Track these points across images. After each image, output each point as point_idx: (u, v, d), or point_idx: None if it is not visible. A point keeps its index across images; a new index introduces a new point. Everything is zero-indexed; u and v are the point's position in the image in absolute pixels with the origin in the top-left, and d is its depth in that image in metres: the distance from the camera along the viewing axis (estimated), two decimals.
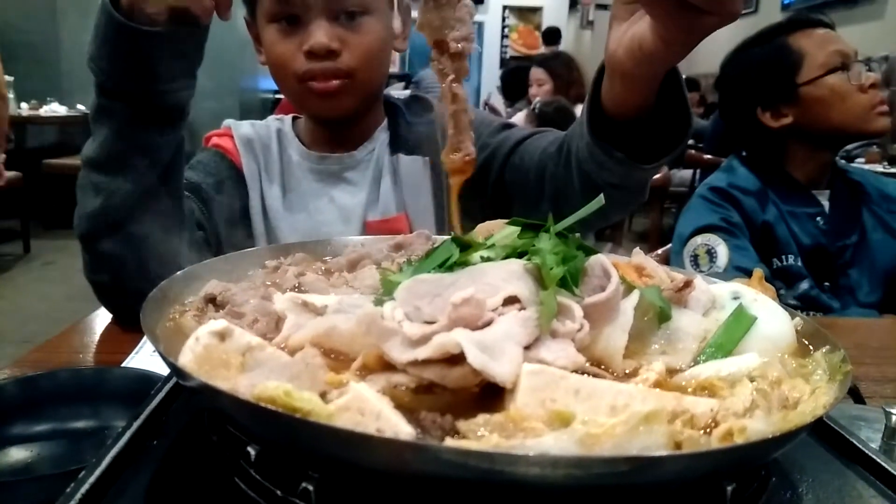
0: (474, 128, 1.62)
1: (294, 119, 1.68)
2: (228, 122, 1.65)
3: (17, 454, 0.85)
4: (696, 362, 0.68)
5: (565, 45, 12.98)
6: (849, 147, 3.71)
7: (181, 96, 1.23)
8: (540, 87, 5.56)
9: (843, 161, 2.26)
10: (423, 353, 0.56)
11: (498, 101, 8.04)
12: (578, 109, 4.86)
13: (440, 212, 1.57)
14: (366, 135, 1.62)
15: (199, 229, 1.42)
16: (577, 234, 0.75)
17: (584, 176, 1.27)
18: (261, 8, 1.48)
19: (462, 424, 0.53)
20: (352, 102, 1.51)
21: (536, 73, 5.70)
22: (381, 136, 1.62)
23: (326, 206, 1.58)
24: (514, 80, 6.76)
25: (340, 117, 1.54)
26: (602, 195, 0.78)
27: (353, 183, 1.59)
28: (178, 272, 0.82)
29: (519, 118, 5.49)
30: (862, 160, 5.60)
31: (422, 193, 1.57)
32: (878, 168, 5.38)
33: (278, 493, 0.56)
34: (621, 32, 1.04)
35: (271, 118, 1.69)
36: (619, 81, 1.09)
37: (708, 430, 0.54)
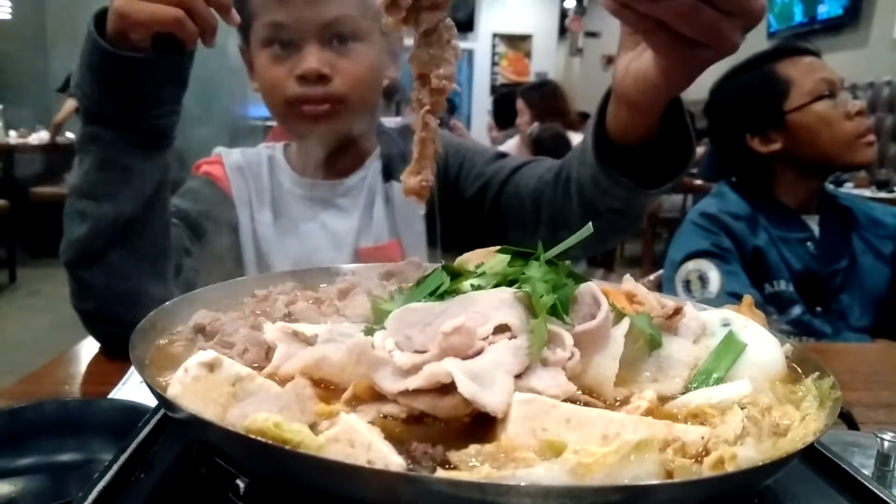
0: (470, 157, 1.63)
1: (286, 146, 1.69)
2: (219, 149, 1.66)
3: (1, 488, 0.84)
4: (687, 390, 0.68)
5: (555, 72, 13.14)
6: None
7: (166, 122, 1.23)
8: (521, 117, 5.62)
9: (831, 186, 2.29)
10: (413, 382, 0.55)
11: (482, 126, 8.11)
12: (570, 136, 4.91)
13: (433, 239, 1.57)
14: (357, 162, 1.63)
15: (187, 255, 1.42)
16: (567, 262, 0.75)
17: (585, 202, 1.28)
18: (254, 34, 1.49)
19: (453, 455, 0.52)
20: (342, 127, 1.52)
21: (518, 102, 5.76)
22: (374, 164, 1.63)
23: (317, 231, 1.58)
24: (504, 107, 6.82)
25: (330, 141, 1.55)
26: (591, 224, 0.78)
27: (345, 209, 1.60)
28: (167, 302, 0.82)
29: (510, 145, 5.53)
30: (850, 185, 5.66)
31: (415, 221, 1.58)
32: (866, 193, 5.43)
33: None
34: (627, 61, 1.06)
35: (262, 146, 1.70)
36: (624, 109, 1.12)
37: (699, 458, 0.54)
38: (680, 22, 0.86)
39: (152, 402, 0.79)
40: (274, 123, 1.76)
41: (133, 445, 0.68)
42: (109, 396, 1.08)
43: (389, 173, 1.61)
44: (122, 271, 1.21)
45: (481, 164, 1.59)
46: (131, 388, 1.12)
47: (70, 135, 7.77)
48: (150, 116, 1.20)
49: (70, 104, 7.62)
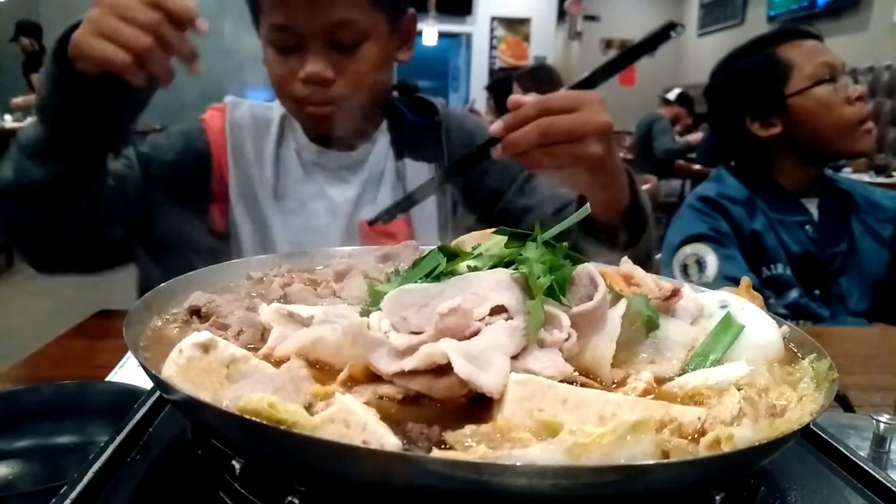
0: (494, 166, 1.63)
1: None
2: (229, 98, 1.64)
3: None
4: (684, 371, 0.67)
5: (554, 56, 13.07)
6: None
7: (106, 142, 1.27)
8: None
9: (830, 170, 2.27)
10: (409, 363, 0.55)
11: (482, 108, 8.07)
12: None
13: (444, 217, 1.57)
14: (363, 137, 1.62)
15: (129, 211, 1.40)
16: (565, 244, 0.75)
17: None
18: (262, 29, 1.48)
19: (449, 435, 0.52)
20: (347, 123, 1.52)
21: (514, 87, 5.73)
22: (381, 139, 1.62)
23: (316, 197, 1.57)
24: (500, 93, 6.79)
25: (336, 136, 1.56)
26: (588, 205, 0.78)
27: (346, 181, 1.59)
28: (162, 284, 0.81)
29: None
30: (848, 170, 5.65)
31: (428, 200, 1.56)
32: (865, 178, 5.43)
33: None
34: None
35: (277, 102, 1.64)
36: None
37: (696, 438, 0.54)
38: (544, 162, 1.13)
39: (149, 384, 0.79)
40: None
41: (129, 427, 0.68)
42: (106, 379, 1.08)
43: (401, 150, 1.60)
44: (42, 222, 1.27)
45: (499, 179, 1.62)
46: (128, 371, 1.12)
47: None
48: (92, 133, 1.22)
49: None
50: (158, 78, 1.11)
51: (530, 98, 1.13)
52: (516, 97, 1.14)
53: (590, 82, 1.16)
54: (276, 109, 1.63)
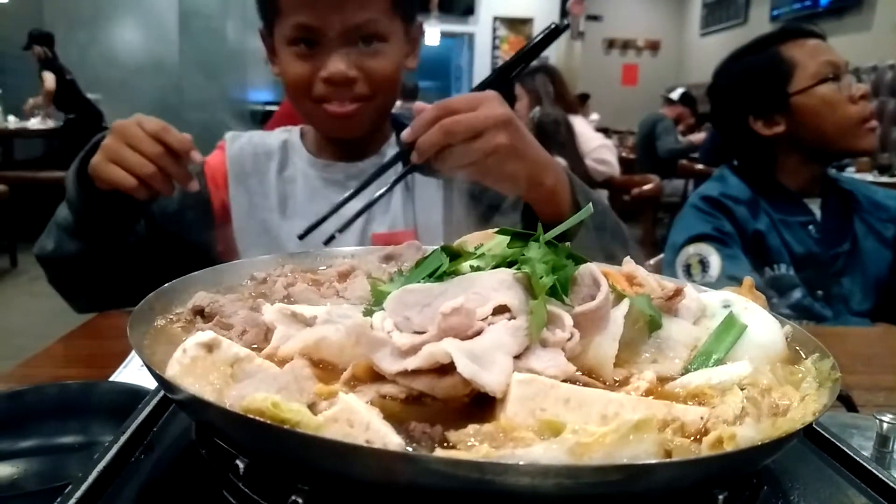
0: None
1: (301, 129, 1.70)
2: (228, 134, 1.67)
3: (3, 470, 0.84)
4: (686, 371, 0.67)
5: (556, 56, 13.06)
6: None
7: (118, 234, 1.42)
8: (520, 101, 5.58)
9: (833, 170, 2.27)
10: (412, 363, 0.55)
11: None
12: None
13: (449, 228, 1.58)
14: (373, 149, 1.64)
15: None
16: (568, 244, 0.75)
17: None
18: (280, 30, 1.49)
19: (452, 435, 0.52)
20: (365, 124, 1.54)
21: (517, 87, 5.73)
22: (389, 152, 1.63)
23: (325, 210, 1.58)
24: (504, 90, 6.77)
25: (353, 138, 1.58)
26: (591, 204, 0.78)
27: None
28: (166, 284, 0.82)
29: None
30: (852, 169, 5.64)
31: (433, 211, 1.59)
32: (868, 177, 5.42)
33: None
34: None
35: (279, 130, 1.72)
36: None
37: (698, 438, 0.54)
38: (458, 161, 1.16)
39: (153, 385, 0.79)
40: (274, 109, 1.75)
41: (133, 427, 0.68)
42: (111, 379, 1.08)
43: (408, 162, 1.61)
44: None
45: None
46: (132, 372, 1.12)
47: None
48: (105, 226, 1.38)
49: (49, 80, 7.71)
50: (160, 192, 1.27)
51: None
52: (419, 104, 1.20)
53: (490, 85, 1.26)
54: (276, 136, 1.67)
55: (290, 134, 1.68)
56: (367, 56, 1.46)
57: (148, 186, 1.24)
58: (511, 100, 6.07)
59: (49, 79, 7.68)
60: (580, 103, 5.51)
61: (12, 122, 7.92)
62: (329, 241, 1.24)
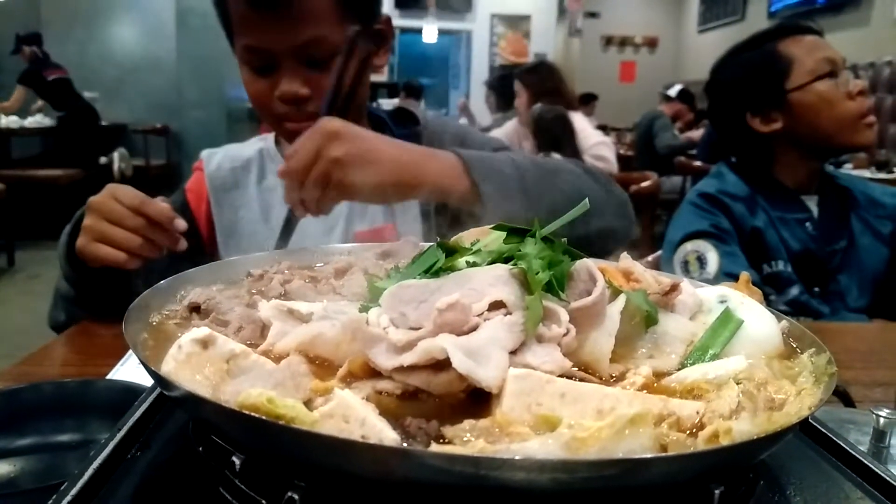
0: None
1: (276, 136, 1.70)
2: (204, 153, 1.67)
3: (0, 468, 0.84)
4: (682, 366, 0.67)
5: (554, 53, 13.06)
6: None
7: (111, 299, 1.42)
8: (519, 98, 5.58)
9: (830, 167, 2.27)
10: (408, 359, 0.55)
11: (478, 108, 8.06)
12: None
13: (427, 222, 1.58)
14: None
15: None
16: (564, 239, 0.75)
17: None
18: (236, 49, 1.48)
19: (448, 430, 0.52)
20: None
21: (516, 84, 5.73)
22: None
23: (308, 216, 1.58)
24: (501, 88, 6.77)
25: None
26: (587, 199, 0.78)
27: None
28: (162, 281, 0.82)
29: (506, 129, 5.47)
30: (850, 165, 5.65)
31: (410, 205, 1.59)
32: (866, 173, 5.42)
33: (263, 502, 0.55)
34: None
35: (255, 139, 1.73)
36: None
37: (694, 432, 0.54)
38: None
39: (150, 382, 0.79)
40: None
41: (129, 424, 0.68)
42: (108, 377, 1.08)
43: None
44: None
45: None
46: (129, 369, 1.12)
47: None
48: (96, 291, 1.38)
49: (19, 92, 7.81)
50: (150, 259, 1.28)
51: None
52: (281, 169, 1.25)
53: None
54: (251, 146, 1.67)
55: (265, 142, 1.69)
56: (322, 71, 1.43)
57: (137, 258, 1.26)
58: (510, 97, 6.07)
59: (17, 95, 7.78)
60: (587, 103, 5.48)
61: (13, 120, 7.92)
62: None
